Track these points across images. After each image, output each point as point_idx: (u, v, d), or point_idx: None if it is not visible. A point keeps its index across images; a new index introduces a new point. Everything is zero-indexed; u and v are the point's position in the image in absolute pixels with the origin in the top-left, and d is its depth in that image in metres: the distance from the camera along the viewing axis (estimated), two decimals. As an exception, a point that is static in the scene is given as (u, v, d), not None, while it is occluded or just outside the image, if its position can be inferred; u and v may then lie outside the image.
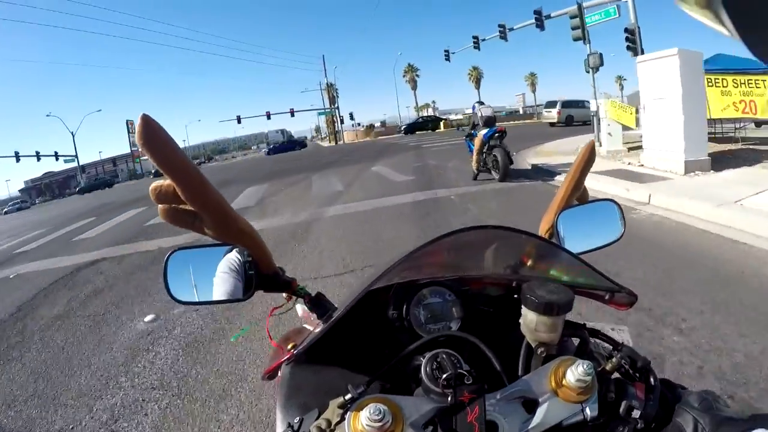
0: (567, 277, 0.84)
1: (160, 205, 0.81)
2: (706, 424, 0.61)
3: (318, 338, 0.79)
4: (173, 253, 0.89)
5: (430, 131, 46.07)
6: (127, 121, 67.10)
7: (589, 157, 1.06)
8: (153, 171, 60.48)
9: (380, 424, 0.56)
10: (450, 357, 0.67)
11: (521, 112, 77.62)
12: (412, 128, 48.44)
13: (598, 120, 12.16)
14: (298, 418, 0.66)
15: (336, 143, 54.88)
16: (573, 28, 15.84)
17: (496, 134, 9.09)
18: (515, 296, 0.91)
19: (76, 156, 58.29)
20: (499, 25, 23.38)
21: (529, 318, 0.73)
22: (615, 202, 1.12)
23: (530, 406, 0.65)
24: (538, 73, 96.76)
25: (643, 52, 12.69)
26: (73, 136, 57.62)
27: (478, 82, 76.54)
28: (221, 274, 0.88)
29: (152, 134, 0.71)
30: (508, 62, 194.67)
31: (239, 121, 51.17)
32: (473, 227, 0.75)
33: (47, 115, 62.12)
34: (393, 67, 77.27)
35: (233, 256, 0.88)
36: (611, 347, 0.78)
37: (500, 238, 0.86)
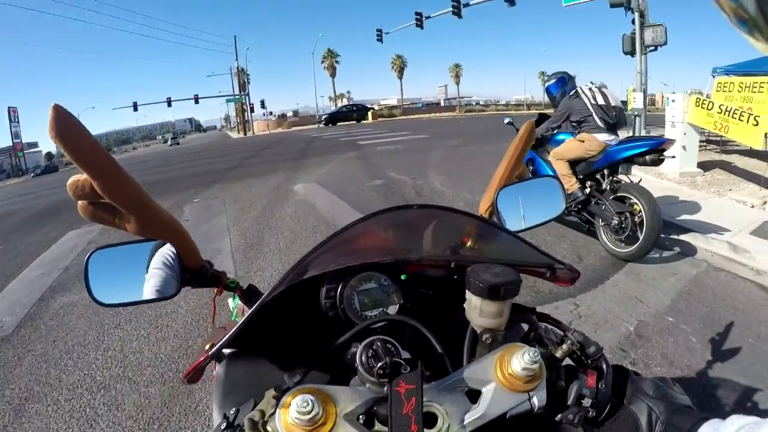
0: (507, 256, 0.83)
1: (79, 202, 0.78)
2: (660, 413, 0.62)
3: (236, 334, 0.72)
4: (94, 253, 0.86)
5: (355, 122, 40.63)
6: (9, 108, 58.61)
7: (528, 136, 1.10)
8: (42, 166, 51.90)
9: (309, 416, 0.55)
10: (386, 344, 0.65)
11: (442, 104, 75.20)
12: (333, 118, 42.54)
13: (642, 121, 9.30)
14: (234, 408, 0.65)
15: (245, 134, 48.95)
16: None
17: (651, 155, 3.96)
18: (456, 277, 0.92)
19: None
20: (416, 13, 22.62)
21: (473, 303, 0.71)
22: (556, 178, 1.16)
23: (474, 396, 0.63)
24: (464, 65, 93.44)
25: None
26: None
27: (401, 72, 73.10)
28: (147, 271, 0.86)
29: (65, 126, 0.68)
30: (432, 53, 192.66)
31: (135, 109, 45.46)
32: (400, 207, 0.73)
33: None
34: (312, 50, 70.19)
35: (157, 252, 0.86)
36: (562, 333, 0.74)
37: (435, 219, 0.85)
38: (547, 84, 4.88)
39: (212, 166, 15.05)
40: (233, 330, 0.72)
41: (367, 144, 16.60)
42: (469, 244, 0.87)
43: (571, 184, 4.30)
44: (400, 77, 73.21)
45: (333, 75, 68.40)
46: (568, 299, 3.32)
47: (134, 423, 2.44)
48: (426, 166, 9.91)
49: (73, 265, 5.53)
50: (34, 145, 76.26)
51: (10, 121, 57.53)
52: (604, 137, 4.17)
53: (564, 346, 0.70)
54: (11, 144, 60.92)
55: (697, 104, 6.85)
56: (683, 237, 4.31)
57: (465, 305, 0.73)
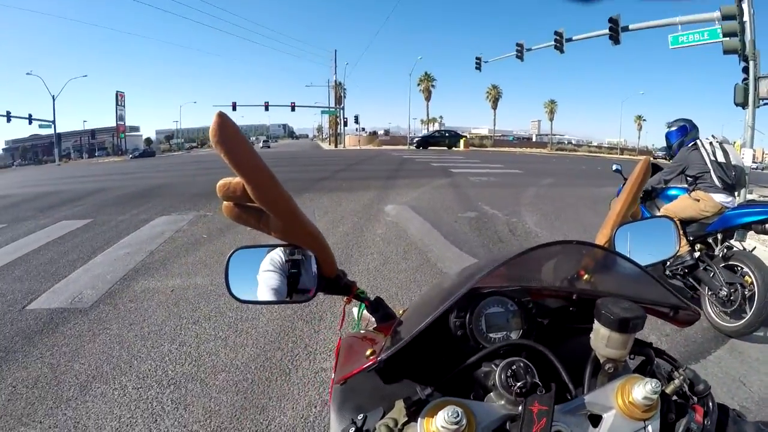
0: (633, 292, 0.82)
1: (225, 202, 0.82)
2: None
3: (405, 344, 0.73)
4: (236, 252, 0.92)
5: (446, 148, 40.47)
6: (117, 92, 63.87)
7: (645, 174, 1.09)
8: (141, 150, 56.11)
9: (456, 426, 0.57)
10: (526, 367, 0.68)
11: (534, 139, 73.62)
12: (425, 142, 42.65)
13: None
14: (362, 415, 0.66)
15: (336, 146, 50.32)
16: (726, 35, 10.21)
17: None
18: (571, 309, 0.94)
19: (54, 122, 51.05)
20: (517, 44, 22.03)
21: (601, 333, 0.71)
22: (671, 219, 1.17)
23: (595, 420, 0.66)
24: (558, 101, 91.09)
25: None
26: (54, 100, 50.47)
27: (495, 102, 72.43)
28: (284, 275, 0.91)
29: (226, 132, 0.71)
30: (528, 86, 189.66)
31: (234, 108, 46.35)
32: (563, 242, 0.76)
33: (27, 74, 56.10)
34: (410, 72, 70.86)
35: (296, 257, 0.91)
36: (671, 368, 0.77)
37: (571, 252, 0.88)
38: (667, 131, 4.44)
39: (303, 174, 15.37)
40: (402, 340, 0.73)
41: (459, 173, 16.32)
42: (591, 276, 0.90)
43: (681, 245, 3.79)
44: (494, 107, 72.62)
45: (428, 98, 69.04)
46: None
47: (201, 428, 2.34)
48: (519, 204, 9.48)
49: (159, 251, 5.75)
50: (136, 129, 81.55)
51: (117, 104, 62.74)
52: (721, 198, 3.81)
53: (676, 381, 0.72)
54: (115, 125, 66.06)
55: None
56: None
57: (592, 335, 0.74)
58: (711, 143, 3.98)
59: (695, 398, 0.71)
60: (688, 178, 4.06)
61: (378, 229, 6.96)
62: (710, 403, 0.70)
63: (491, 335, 0.85)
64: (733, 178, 3.84)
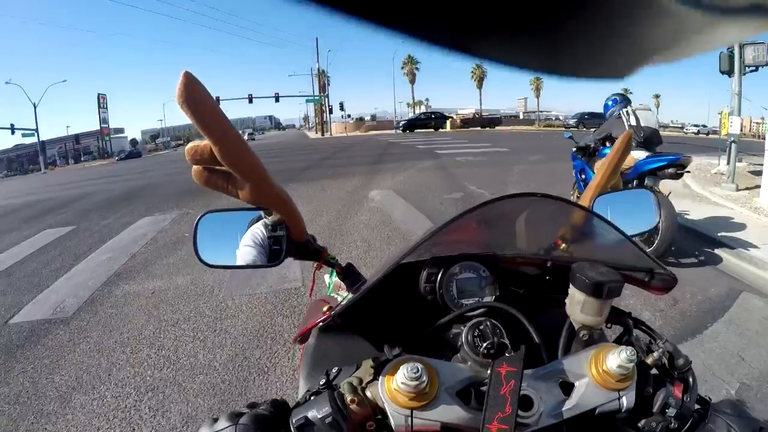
0: (608, 257, 0.82)
1: (194, 167, 0.81)
2: (740, 429, 0.62)
3: (353, 303, 0.77)
4: (204, 216, 0.92)
5: (433, 130, 40.28)
6: (98, 95, 63.06)
7: (625, 148, 1.10)
8: (127, 151, 55.45)
9: (416, 382, 0.57)
10: (494, 326, 0.67)
11: (521, 117, 73.45)
12: (411, 125, 42.24)
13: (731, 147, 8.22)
14: (335, 368, 0.66)
15: (323, 135, 49.77)
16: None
17: (671, 169, 4.57)
18: (548, 278, 0.92)
19: (37, 130, 50.74)
20: None
21: (576, 298, 0.71)
22: (651, 190, 1.16)
23: (567, 388, 0.65)
24: (545, 77, 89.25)
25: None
26: (35, 108, 50.07)
27: (480, 82, 71.52)
28: (252, 239, 0.90)
29: (193, 92, 0.70)
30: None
31: (218, 103, 44.30)
32: (523, 194, 0.75)
33: (7, 83, 55.04)
34: (393, 56, 70.63)
35: (265, 221, 0.90)
36: (650, 341, 0.75)
37: (546, 211, 0.88)
38: (604, 103, 5.73)
39: (288, 165, 15.26)
40: (352, 297, 0.73)
41: (446, 154, 16.23)
42: (567, 243, 0.90)
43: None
44: (480, 87, 71.74)
45: (412, 81, 68.40)
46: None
47: (176, 435, 2.32)
48: (506, 182, 9.46)
49: (141, 253, 5.71)
50: (121, 131, 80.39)
51: (99, 106, 61.74)
52: (637, 154, 4.70)
53: (655, 354, 0.70)
54: (99, 128, 64.68)
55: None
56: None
57: (567, 300, 0.74)
58: (628, 112, 5.01)
59: (675, 374, 0.70)
60: (609, 138, 5.12)
61: (361, 215, 6.94)
62: (690, 379, 0.69)
63: (462, 301, 0.84)
64: (640, 138, 4.79)
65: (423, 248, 0.77)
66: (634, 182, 4.62)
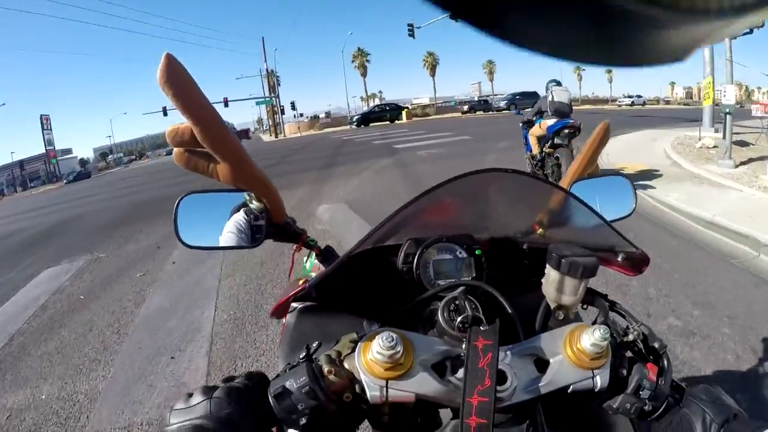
0: (582, 238, 0.84)
1: (175, 149, 0.81)
2: (715, 415, 0.62)
3: (327, 275, 0.77)
4: (185, 197, 0.90)
5: (389, 123, 38.85)
6: (41, 116, 60.09)
7: (604, 135, 1.09)
8: (75, 173, 51.92)
9: (391, 352, 0.57)
10: (469, 301, 0.69)
11: (476, 101, 73.00)
12: (365, 119, 40.67)
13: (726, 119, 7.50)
14: (316, 342, 0.66)
15: (277, 137, 47.87)
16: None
17: (566, 130, 5.98)
18: (525, 262, 0.93)
19: None
20: (408, 24, 23.09)
21: (552, 277, 0.71)
22: (627, 178, 1.12)
23: (541, 365, 0.65)
24: (497, 60, 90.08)
25: None
26: None
27: (433, 69, 71.08)
28: (232, 220, 0.90)
29: (174, 74, 0.69)
30: (465, 49, 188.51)
31: (165, 113, 43.34)
32: (494, 169, 0.73)
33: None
34: (342, 50, 69.05)
35: (245, 203, 0.90)
36: (627, 324, 0.74)
37: (518, 190, 0.86)
38: (545, 86, 6.79)
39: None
40: (327, 269, 0.76)
41: (405, 148, 14.75)
42: (544, 228, 0.91)
43: (536, 150, 6.52)
44: (433, 75, 71.17)
45: (364, 74, 67.41)
46: None
47: None
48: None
49: (20, 333, 4.05)
50: (68, 151, 77.77)
51: (43, 128, 58.86)
52: (549, 122, 6.17)
53: (630, 336, 0.70)
54: (45, 151, 61.82)
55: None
56: None
57: (543, 280, 0.74)
58: (551, 91, 6.36)
59: (650, 357, 0.69)
60: (543, 113, 6.46)
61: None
62: (665, 362, 0.68)
63: (439, 282, 0.83)
64: (550, 109, 6.26)
65: (399, 228, 0.80)
66: (550, 141, 6.20)
